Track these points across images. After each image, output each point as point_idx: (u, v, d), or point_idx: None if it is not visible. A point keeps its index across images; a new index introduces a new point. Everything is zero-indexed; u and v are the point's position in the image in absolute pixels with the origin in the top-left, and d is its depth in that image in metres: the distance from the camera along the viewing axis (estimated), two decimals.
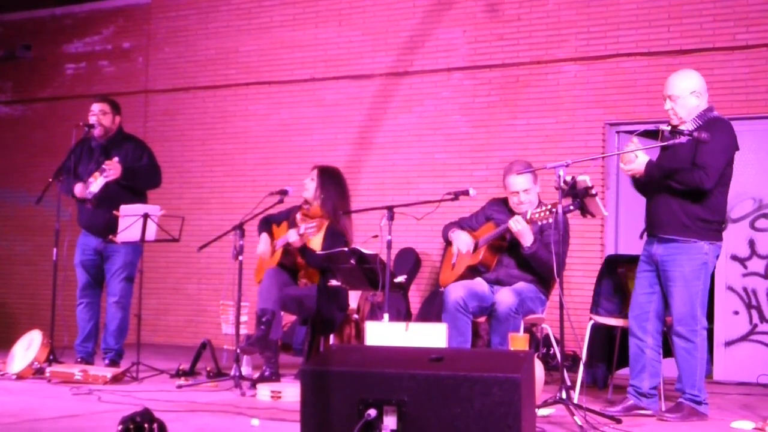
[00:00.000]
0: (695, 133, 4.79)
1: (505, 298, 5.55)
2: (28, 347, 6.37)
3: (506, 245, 5.76)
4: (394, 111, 8.68)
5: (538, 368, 4.80)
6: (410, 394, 3.49)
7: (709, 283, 5.04)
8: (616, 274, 5.73)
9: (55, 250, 6.64)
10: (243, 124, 9.43)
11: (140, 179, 6.62)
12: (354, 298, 6.69)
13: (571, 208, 5.24)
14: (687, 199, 4.92)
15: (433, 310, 7.40)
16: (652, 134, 5.69)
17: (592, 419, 4.65)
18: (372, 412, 3.48)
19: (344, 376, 3.60)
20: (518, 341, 5.01)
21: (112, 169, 6.38)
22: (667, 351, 5.28)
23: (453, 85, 8.46)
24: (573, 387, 5.24)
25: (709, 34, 7.45)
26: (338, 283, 6.21)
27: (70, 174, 6.56)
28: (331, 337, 6.40)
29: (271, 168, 9.08)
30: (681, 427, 4.82)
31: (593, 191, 5.12)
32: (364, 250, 5.82)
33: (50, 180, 6.57)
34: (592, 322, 5.73)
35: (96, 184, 6.36)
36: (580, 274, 7.44)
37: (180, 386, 5.91)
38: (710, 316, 5.20)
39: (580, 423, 4.52)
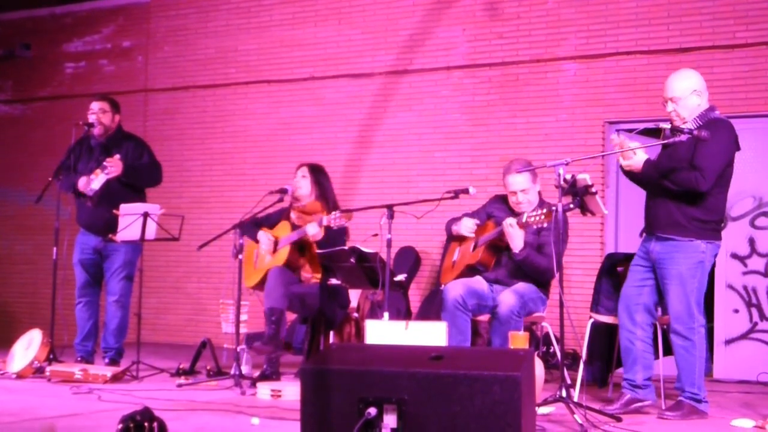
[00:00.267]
0: (695, 132, 4.79)
1: (506, 299, 5.54)
2: (28, 346, 6.37)
3: (504, 245, 5.76)
4: (394, 109, 8.68)
5: (538, 367, 4.80)
6: (410, 393, 3.49)
7: (706, 282, 5.04)
8: (615, 272, 5.73)
9: (54, 249, 6.65)
10: (243, 123, 9.43)
11: (141, 176, 6.62)
12: (354, 296, 6.69)
13: (571, 206, 5.24)
14: (684, 199, 4.93)
15: (432, 308, 7.40)
16: (652, 132, 5.68)
17: (592, 418, 4.66)
18: (372, 411, 3.48)
19: (344, 374, 3.60)
20: (518, 339, 5.01)
21: (114, 166, 6.38)
22: (668, 349, 5.28)
23: (453, 84, 8.46)
24: (573, 385, 5.24)
25: (708, 33, 7.45)
26: (338, 282, 6.21)
27: (70, 172, 6.56)
28: (331, 335, 6.40)
29: (270, 167, 9.08)
30: (681, 425, 4.82)
31: (593, 189, 5.12)
32: (364, 249, 5.82)
33: (50, 179, 6.57)
34: (592, 320, 5.73)
35: (97, 181, 6.35)
36: (580, 273, 7.44)
37: (180, 385, 5.91)
38: (710, 315, 5.21)
39: (580, 421, 4.52)
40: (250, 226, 6.32)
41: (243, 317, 6.41)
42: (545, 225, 5.44)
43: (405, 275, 7.73)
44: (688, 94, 4.99)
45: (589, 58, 7.89)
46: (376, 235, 5.80)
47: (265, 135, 9.30)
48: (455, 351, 4.23)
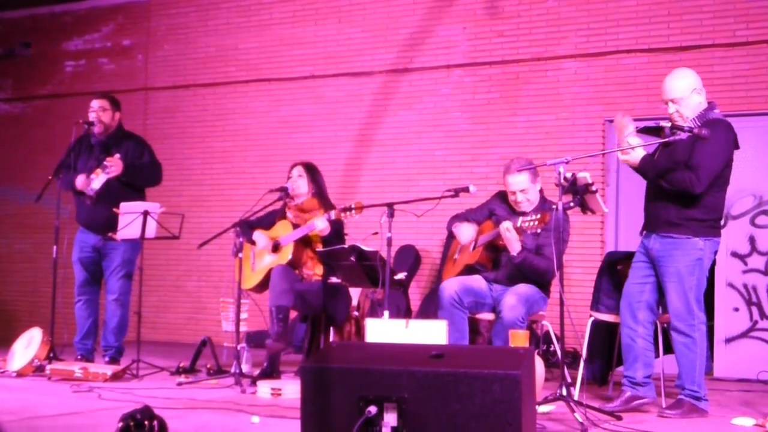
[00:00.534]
0: (695, 130, 4.79)
1: (511, 305, 5.48)
2: (28, 345, 6.37)
3: (502, 246, 5.74)
4: (394, 108, 8.68)
5: (539, 365, 4.80)
6: (410, 391, 3.49)
7: (705, 279, 5.04)
8: (616, 271, 5.73)
9: (54, 247, 6.65)
10: (243, 122, 9.43)
11: (141, 176, 6.62)
12: (354, 295, 6.69)
13: (572, 204, 5.24)
14: (681, 198, 4.94)
15: (433, 307, 7.39)
16: (652, 131, 5.68)
17: (593, 416, 4.66)
18: (372, 409, 3.48)
19: (344, 373, 3.60)
20: (518, 338, 5.01)
21: (114, 165, 6.37)
22: (668, 348, 5.27)
23: (453, 82, 8.46)
24: (573, 384, 5.25)
25: (709, 31, 7.45)
26: (338, 280, 6.21)
27: (70, 171, 6.56)
28: (331, 334, 6.40)
29: (270, 165, 9.07)
30: (681, 423, 4.82)
31: (593, 188, 5.12)
32: (364, 247, 5.82)
33: (50, 177, 6.57)
34: (592, 318, 5.73)
35: (98, 180, 6.35)
36: (580, 271, 7.44)
37: (180, 383, 5.91)
38: (710, 313, 5.21)
39: (580, 420, 4.52)
40: (244, 229, 6.29)
41: (243, 315, 6.40)
42: (538, 231, 5.42)
43: (405, 274, 7.73)
44: (689, 94, 4.99)
45: (590, 56, 7.89)
46: (376, 233, 5.81)
47: (266, 133, 9.30)
48: (455, 349, 4.23)
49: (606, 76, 7.82)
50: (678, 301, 4.97)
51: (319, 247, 6.22)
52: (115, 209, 6.25)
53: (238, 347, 6.12)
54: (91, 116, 6.60)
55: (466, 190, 5.67)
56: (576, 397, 4.98)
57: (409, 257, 8.32)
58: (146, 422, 3.76)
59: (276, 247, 6.33)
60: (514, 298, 5.53)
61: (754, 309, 7.19)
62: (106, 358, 6.55)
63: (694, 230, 4.95)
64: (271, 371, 6.10)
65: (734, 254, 7.23)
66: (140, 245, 6.50)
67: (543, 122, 8.02)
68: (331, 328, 6.37)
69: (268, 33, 9.35)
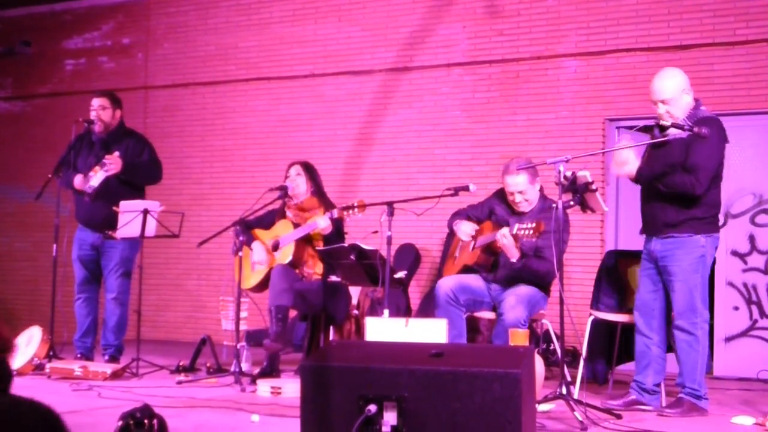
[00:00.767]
0: (695, 129, 4.79)
1: (513, 308, 5.46)
2: (28, 343, 6.37)
3: (500, 249, 5.72)
4: (394, 107, 8.68)
5: (539, 364, 4.80)
6: (410, 390, 3.48)
7: (708, 275, 5.06)
8: (616, 269, 5.73)
9: (54, 245, 6.65)
10: (243, 120, 9.43)
11: (140, 174, 6.62)
12: (354, 293, 6.69)
13: (571, 203, 5.23)
14: (679, 199, 4.94)
15: (432, 305, 7.40)
16: (651, 130, 5.67)
17: (593, 415, 4.65)
18: (372, 408, 3.48)
19: (344, 371, 3.59)
20: (518, 337, 5.01)
21: (113, 163, 6.37)
22: (669, 347, 5.27)
23: (453, 81, 8.45)
24: (573, 382, 5.24)
25: (709, 30, 7.44)
26: (338, 279, 6.21)
27: (70, 168, 6.55)
28: (331, 332, 6.40)
29: (270, 164, 9.06)
30: (681, 422, 4.82)
31: (593, 186, 5.12)
32: (364, 246, 5.82)
33: (50, 176, 6.56)
34: (592, 317, 5.73)
35: (96, 178, 6.35)
36: (580, 270, 7.44)
37: (180, 382, 5.91)
38: (710, 312, 5.21)
39: (580, 418, 4.52)
40: (243, 229, 6.23)
41: (243, 314, 6.40)
42: (533, 240, 5.41)
43: (405, 272, 7.72)
44: (678, 94, 5.00)
45: (590, 55, 7.89)
46: (376, 232, 5.80)
47: (265, 132, 9.29)
48: (455, 348, 4.23)
49: (606, 75, 7.81)
50: (683, 299, 4.97)
51: (320, 246, 6.21)
52: (114, 208, 6.25)
53: (238, 346, 6.12)
54: (91, 115, 6.60)
55: (465, 188, 5.66)
56: (576, 396, 4.97)
57: (409, 256, 8.32)
58: (146, 421, 3.76)
59: (276, 247, 6.33)
60: (516, 301, 5.51)
61: (754, 308, 7.19)
62: (106, 357, 6.55)
63: (694, 228, 4.96)
64: (270, 370, 6.10)
65: (734, 253, 7.23)
66: (139, 244, 6.49)
67: (543, 121, 8.02)
68: (331, 327, 6.36)
69: (268, 31, 9.35)
